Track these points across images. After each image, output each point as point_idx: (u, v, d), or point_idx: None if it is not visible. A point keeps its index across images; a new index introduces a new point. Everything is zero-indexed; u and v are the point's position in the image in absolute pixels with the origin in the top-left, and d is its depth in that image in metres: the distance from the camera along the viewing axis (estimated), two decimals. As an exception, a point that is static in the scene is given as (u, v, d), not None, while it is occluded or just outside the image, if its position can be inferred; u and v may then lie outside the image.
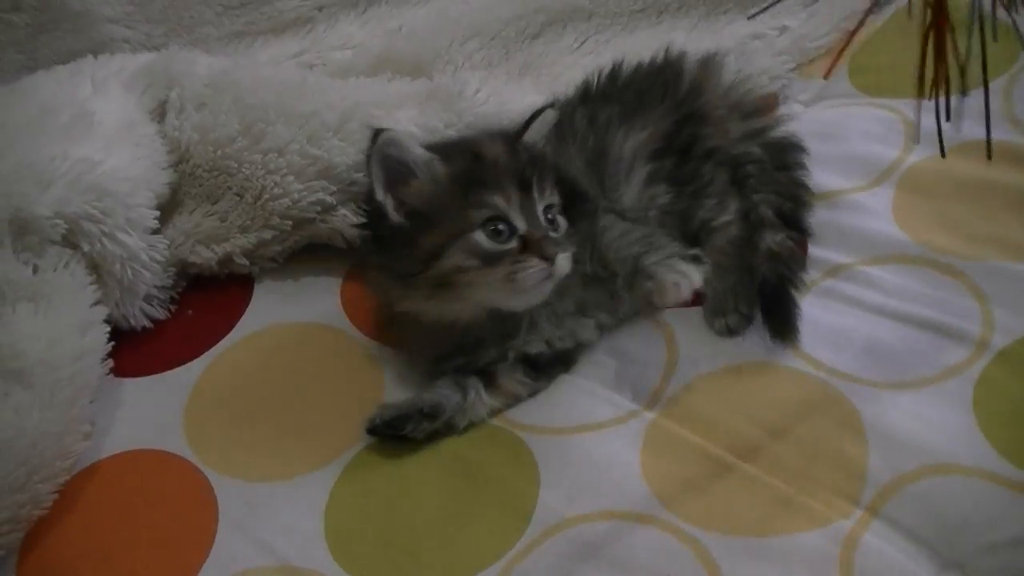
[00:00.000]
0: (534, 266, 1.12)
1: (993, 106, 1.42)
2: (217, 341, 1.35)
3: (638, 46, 1.48)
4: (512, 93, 1.43)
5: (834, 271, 1.28)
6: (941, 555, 1.02)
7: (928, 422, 1.12)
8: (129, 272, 1.31)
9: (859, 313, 1.23)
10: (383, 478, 1.18)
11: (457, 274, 1.13)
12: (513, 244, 1.13)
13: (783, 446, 1.12)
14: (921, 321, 1.21)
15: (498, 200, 1.13)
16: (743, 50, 1.55)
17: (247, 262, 1.40)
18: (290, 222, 1.37)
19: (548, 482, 1.13)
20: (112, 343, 1.31)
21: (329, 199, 1.36)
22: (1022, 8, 1.54)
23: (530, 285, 1.13)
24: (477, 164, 1.16)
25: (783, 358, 1.20)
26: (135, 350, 1.35)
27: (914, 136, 1.41)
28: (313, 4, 1.69)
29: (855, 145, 1.40)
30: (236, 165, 1.38)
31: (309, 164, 1.36)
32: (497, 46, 1.57)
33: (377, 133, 1.13)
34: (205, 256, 1.39)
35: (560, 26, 1.61)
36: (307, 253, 1.42)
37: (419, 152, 1.14)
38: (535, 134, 1.22)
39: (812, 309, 1.24)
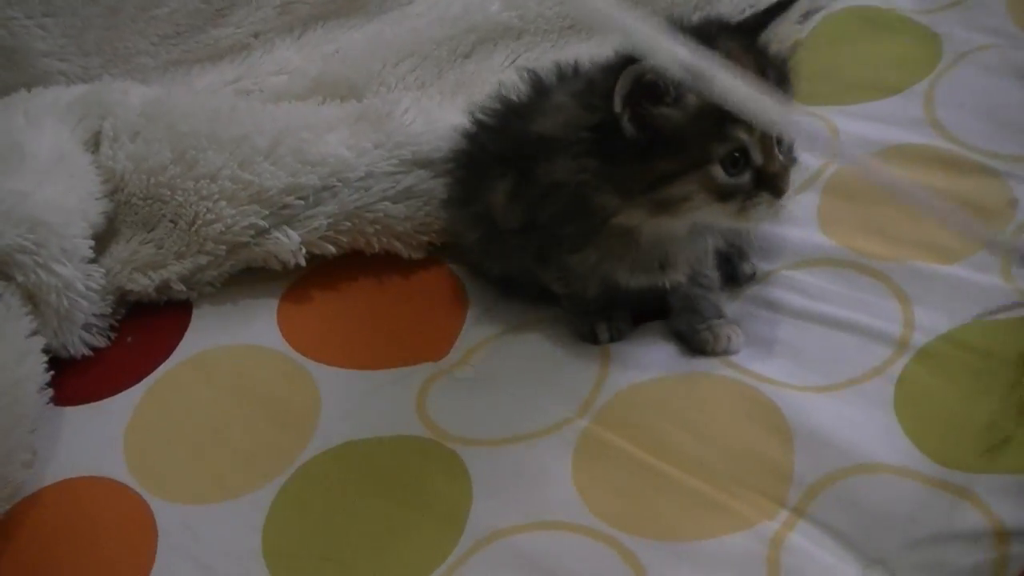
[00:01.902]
0: (765, 202, 1.10)
1: (915, 111, 1.46)
2: (156, 367, 1.36)
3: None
4: (443, 112, 1.45)
5: (760, 277, 1.31)
6: (865, 552, 1.04)
7: (851, 422, 1.14)
8: (65, 302, 1.32)
9: (784, 318, 1.26)
10: (319, 494, 1.19)
11: (686, 200, 1.10)
12: (747, 178, 1.10)
13: (711, 451, 1.14)
14: (845, 323, 1.23)
15: (743, 135, 1.08)
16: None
17: (184, 288, 1.40)
18: (224, 247, 1.38)
19: (481, 494, 1.14)
20: (51, 372, 1.31)
21: (262, 223, 1.37)
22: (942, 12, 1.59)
23: (759, 218, 1.12)
24: None
25: (712, 366, 1.22)
26: (75, 378, 1.35)
27: (839, 142, 1.44)
28: (248, 31, 1.70)
29: None
30: (170, 192, 1.39)
31: (241, 189, 1.37)
32: (430, 66, 1.59)
33: (633, 61, 1.05)
34: (142, 283, 1.40)
35: (491, 45, 1.63)
36: (244, 276, 1.42)
37: (673, 77, 1.05)
38: (776, 31, 1.15)
39: (739, 316, 1.27)
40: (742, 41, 1.12)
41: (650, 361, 1.24)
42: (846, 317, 1.24)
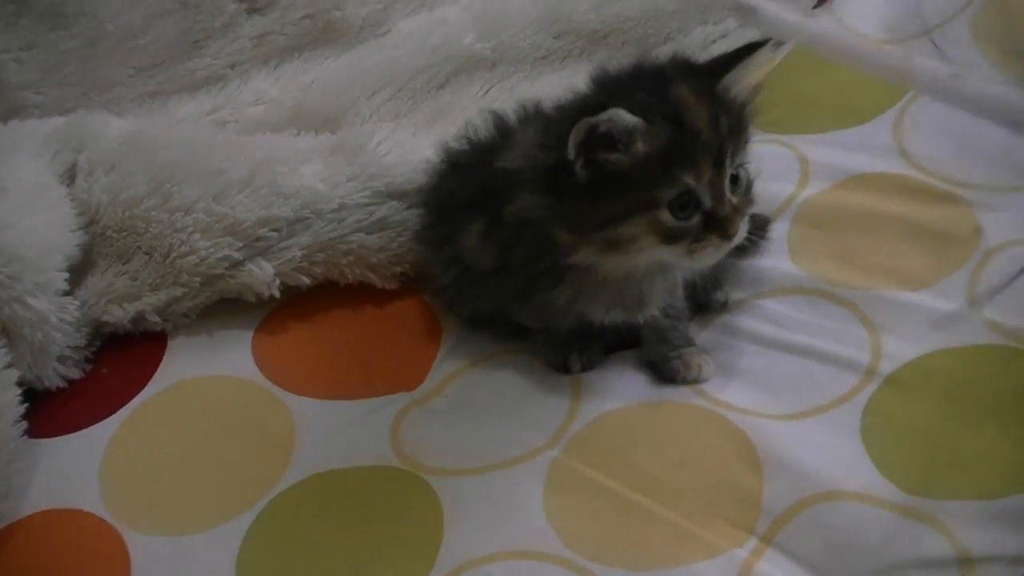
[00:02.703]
0: (714, 244, 1.11)
1: (883, 140, 1.47)
2: (131, 398, 1.36)
3: (542, 92, 1.51)
4: (417, 143, 1.46)
5: (731, 306, 1.32)
6: (833, 579, 1.05)
7: (820, 450, 1.15)
8: (39, 335, 1.32)
9: (754, 346, 1.27)
10: (293, 525, 1.19)
11: (634, 242, 1.11)
12: (696, 220, 1.10)
13: (681, 480, 1.15)
14: (813, 352, 1.24)
15: (690, 179, 1.09)
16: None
17: (159, 319, 1.41)
18: (199, 279, 1.39)
19: (453, 523, 1.15)
20: (26, 404, 1.32)
21: (236, 255, 1.38)
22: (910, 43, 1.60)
23: (708, 260, 1.13)
24: (678, 138, 1.09)
25: (682, 395, 1.23)
26: (50, 410, 1.36)
27: (808, 171, 1.45)
28: (225, 62, 1.71)
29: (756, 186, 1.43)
30: (145, 224, 1.41)
31: (215, 221, 1.38)
32: (405, 97, 1.61)
33: (601, 107, 1.07)
34: (118, 315, 1.40)
35: (466, 75, 1.64)
36: (219, 307, 1.43)
37: (628, 124, 1.07)
38: (738, 76, 1.15)
39: (709, 344, 1.28)
40: (699, 86, 1.12)
41: (621, 390, 1.25)
42: (815, 345, 1.25)
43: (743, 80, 1.15)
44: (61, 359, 1.38)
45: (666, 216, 1.09)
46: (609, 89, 1.14)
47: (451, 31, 1.69)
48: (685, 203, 1.09)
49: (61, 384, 1.39)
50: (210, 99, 1.70)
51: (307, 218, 1.40)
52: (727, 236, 1.11)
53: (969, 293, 1.26)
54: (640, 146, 1.08)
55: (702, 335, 1.30)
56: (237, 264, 1.39)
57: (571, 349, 1.28)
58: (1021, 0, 1.64)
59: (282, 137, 1.53)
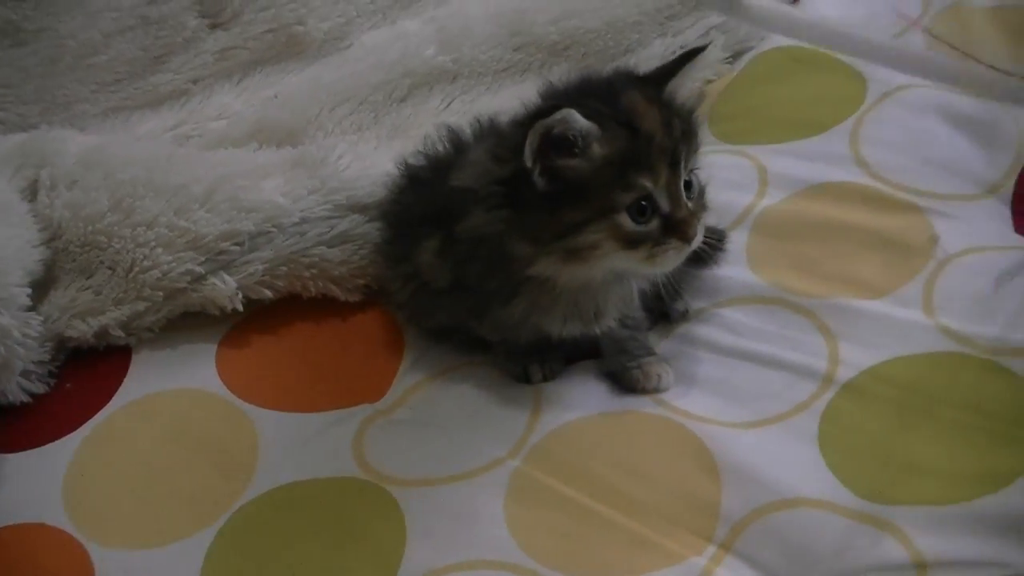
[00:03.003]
0: (674, 247, 1.12)
1: (841, 149, 1.49)
2: (95, 412, 1.36)
3: (503, 104, 1.52)
4: (378, 157, 1.47)
5: (690, 315, 1.33)
6: (791, 586, 1.06)
7: (777, 458, 1.16)
8: (2, 350, 1.32)
9: (713, 355, 1.28)
10: (257, 538, 1.20)
11: (595, 249, 1.12)
12: (655, 225, 1.11)
13: (641, 489, 1.16)
14: (772, 360, 1.26)
15: (647, 183, 1.10)
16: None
17: (123, 334, 1.41)
18: (162, 293, 1.39)
19: (415, 534, 1.16)
20: (-9, 420, 1.33)
21: (198, 269, 1.39)
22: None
23: (668, 264, 1.14)
24: (633, 142, 1.10)
25: (642, 404, 1.24)
26: (14, 425, 1.36)
27: (767, 180, 1.47)
28: (187, 77, 1.71)
29: (711, 194, 1.42)
30: (107, 240, 1.41)
31: (177, 236, 1.39)
32: (366, 110, 1.61)
33: (550, 110, 1.08)
34: (81, 330, 1.40)
35: (426, 89, 1.65)
36: (183, 321, 1.43)
37: (583, 127, 1.09)
38: (681, 82, 1.18)
39: (669, 354, 1.29)
40: (647, 93, 1.14)
41: (582, 401, 1.26)
42: (773, 353, 1.26)
43: (686, 86, 1.17)
44: (25, 374, 1.38)
45: (626, 221, 1.10)
46: (559, 99, 1.15)
47: (412, 44, 1.69)
48: (643, 208, 1.10)
49: (25, 399, 1.38)
50: (173, 114, 1.70)
51: (269, 232, 1.40)
52: (686, 239, 1.12)
53: (925, 301, 1.28)
54: (596, 150, 1.10)
55: (662, 344, 1.31)
56: (200, 278, 1.39)
57: (531, 360, 1.29)
58: (977, 8, 1.66)
59: (243, 152, 1.53)
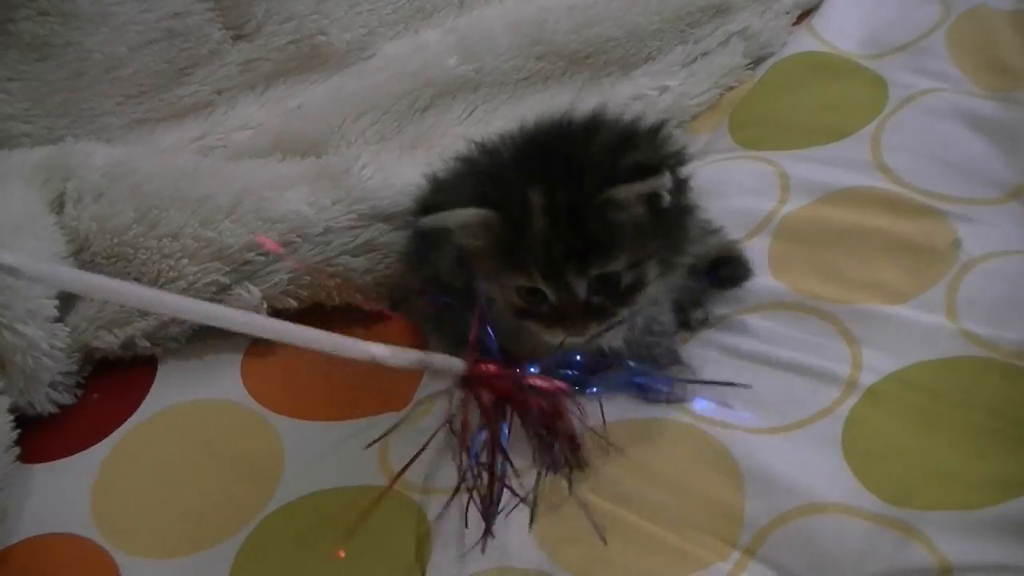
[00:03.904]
0: (557, 337, 1.11)
1: (862, 154, 1.49)
2: (122, 423, 1.38)
3: (525, 113, 1.53)
4: (401, 166, 1.48)
5: (713, 322, 1.33)
6: (815, 592, 1.06)
7: (802, 463, 1.16)
8: (31, 361, 1.34)
9: (736, 362, 1.28)
10: (283, 546, 1.21)
11: (506, 315, 1.14)
12: (545, 308, 1.12)
13: (665, 495, 1.16)
14: (795, 366, 1.25)
15: (524, 281, 1.11)
16: (625, 111, 1.61)
17: (149, 344, 1.43)
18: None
19: (440, 543, 1.16)
20: (19, 430, 1.34)
21: (223, 279, 1.40)
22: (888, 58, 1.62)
23: (556, 344, 1.10)
24: (512, 235, 1.10)
25: (666, 412, 1.24)
26: (42, 436, 1.37)
27: (789, 187, 1.47)
28: (212, 88, 1.72)
29: (733, 200, 1.44)
30: (133, 251, 1.42)
31: (203, 247, 1.40)
32: (389, 120, 1.62)
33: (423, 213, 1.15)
34: (108, 341, 1.42)
35: (449, 98, 1.66)
36: (208, 331, 1.44)
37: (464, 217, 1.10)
38: (629, 192, 1.09)
39: (691, 361, 1.29)
40: (564, 194, 1.09)
41: (606, 408, 1.25)
42: (796, 359, 1.26)
43: (630, 198, 1.10)
44: (53, 385, 1.40)
45: (514, 297, 1.13)
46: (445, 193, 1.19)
47: (434, 54, 1.70)
48: (532, 292, 1.12)
49: (53, 410, 1.40)
50: (197, 125, 1.71)
51: (293, 242, 1.41)
52: (569, 332, 1.11)
53: (948, 305, 1.28)
54: (486, 236, 1.12)
55: (684, 350, 1.31)
56: (225, 288, 1.41)
57: None
58: (995, 14, 1.66)
59: (267, 162, 1.55)
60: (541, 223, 1.09)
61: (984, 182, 1.43)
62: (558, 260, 1.09)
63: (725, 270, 1.34)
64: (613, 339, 1.17)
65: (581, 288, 1.10)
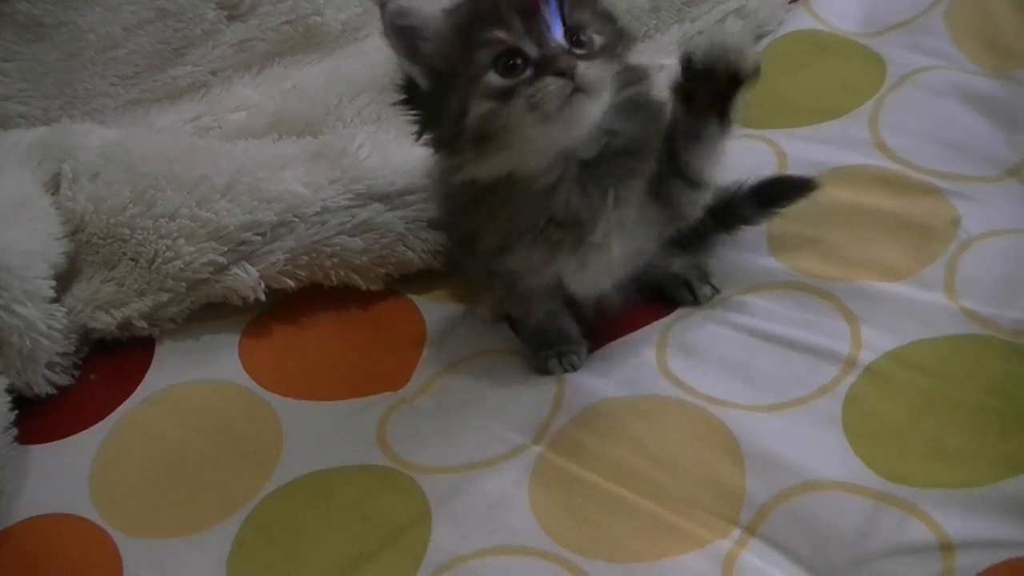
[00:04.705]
0: (550, 84, 1.06)
1: (860, 133, 1.49)
2: (120, 403, 1.37)
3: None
4: (397, 146, 1.47)
5: (714, 301, 1.33)
6: (816, 569, 1.06)
7: (801, 441, 1.16)
8: (28, 342, 1.34)
9: (737, 340, 1.28)
10: (282, 526, 1.20)
11: (487, 122, 1.09)
12: (527, 73, 1.07)
13: (665, 474, 1.16)
14: (794, 343, 1.26)
15: (500, 34, 1.08)
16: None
17: (146, 325, 1.42)
18: (184, 284, 1.40)
19: (440, 521, 1.16)
20: (16, 411, 1.33)
21: (220, 259, 1.39)
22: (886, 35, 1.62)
23: (554, 106, 1.06)
24: (476, 5, 1.11)
25: (664, 388, 1.25)
26: (40, 417, 1.37)
27: (787, 165, 1.47)
28: (207, 69, 1.71)
29: (731, 179, 1.43)
30: (129, 232, 1.42)
31: (199, 227, 1.40)
32: (385, 100, 1.61)
33: (383, 6, 1.09)
34: (105, 321, 1.41)
35: (445, 79, 1.65)
36: (206, 311, 1.44)
37: (425, 13, 1.11)
38: None
39: (691, 340, 1.29)
40: None
41: (604, 386, 1.26)
42: (796, 337, 1.26)
43: None
44: (50, 366, 1.39)
45: (494, 78, 1.09)
46: None
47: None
48: (511, 63, 1.08)
49: (50, 391, 1.39)
50: (192, 106, 1.70)
51: (290, 222, 1.40)
52: (559, 73, 1.06)
53: (947, 283, 1.28)
54: (444, 21, 1.11)
55: (684, 326, 1.31)
56: (222, 268, 1.40)
57: (550, 352, 1.30)
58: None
59: (263, 143, 1.54)
60: None
61: (983, 160, 1.43)
62: (530, 10, 1.08)
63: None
64: (602, 98, 1.10)
65: (558, 32, 1.08)
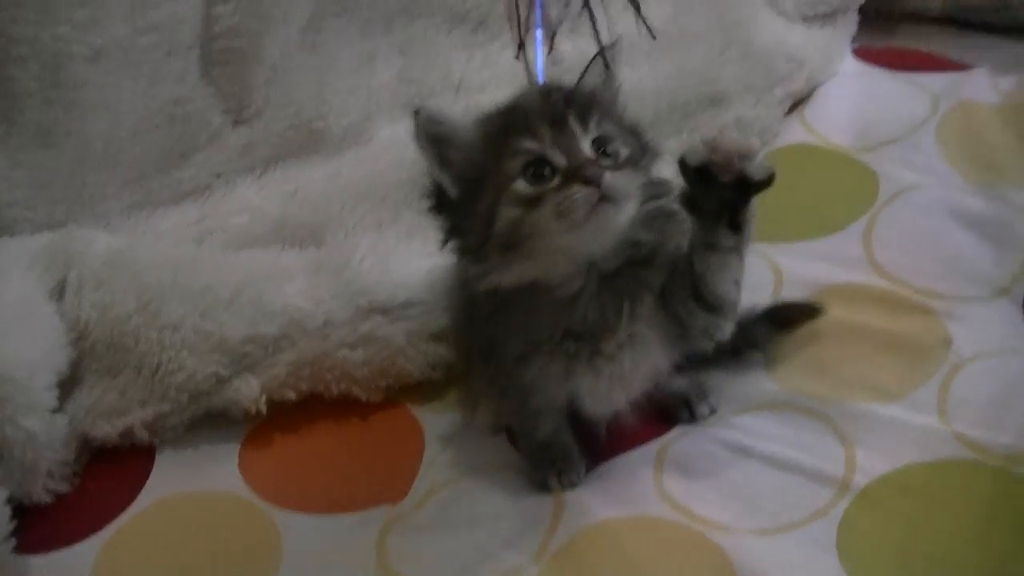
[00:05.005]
0: (577, 192, 1.07)
1: (854, 250, 1.52)
2: (119, 513, 1.37)
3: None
4: (399, 256, 1.49)
5: (711, 421, 1.35)
6: None
7: (796, 566, 1.17)
8: (29, 453, 1.34)
9: (733, 461, 1.29)
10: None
11: (515, 229, 1.11)
12: (555, 182, 1.09)
13: (660, 595, 1.17)
14: (789, 465, 1.27)
15: (529, 143, 1.10)
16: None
17: (147, 434, 1.43)
18: (187, 395, 1.41)
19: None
20: (15, 521, 1.32)
21: (223, 372, 1.41)
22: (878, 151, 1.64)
23: (581, 214, 1.08)
24: (506, 117, 1.14)
25: (660, 510, 1.25)
26: (38, 525, 1.36)
27: (783, 282, 1.49)
28: (211, 172, 1.73)
29: None
30: (133, 342, 1.43)
31: (203, 339, 1.41)
32: (387, 208, 1.62)
33: (416, 113, 1.13)
34: (106, 430, 1.42)
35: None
36: (206, 420, 1.45)
37: (456, 121, 1.14)
38: (591, 78, 1.18)
39: (688, 460, 1.31)
40: (541, 92, 1.19)
41: (602, 506, 1.27)
42: (791, 458, 1.27)
43: (594, 78, 1.19)
44: (49, 473, 1.39)
45: (522, 185, 1.10)
46: None
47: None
48: (539, 170, 1.10)
49: (49, 499, 1.39)
50: (196, 208, 1.71)
51: (292, 335, 1.42)
52: (587, 181, 1.08)
53: (939, 406, 1.30)
54: (475, 130, 1.14)
55: (681, 446, 1.33)
56: (224, 380, 1.41)
57: (550, 469, 1.30)
58: (982, 108, 1.70)
59: (266, 253, 1.56)
60: (538, 100, 1.14)
61: (974, 279, 1.46)
62: (559, 121, 1.11)
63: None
64: (628, 207, 1.12)
65: (586, 143, 1.11)
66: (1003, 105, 1.70)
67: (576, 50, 1.60)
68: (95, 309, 1.46)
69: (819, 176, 1.67)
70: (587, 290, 1.17)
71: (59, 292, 1.50)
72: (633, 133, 1.19)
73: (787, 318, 1.40)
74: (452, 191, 1.14)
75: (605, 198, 1.08)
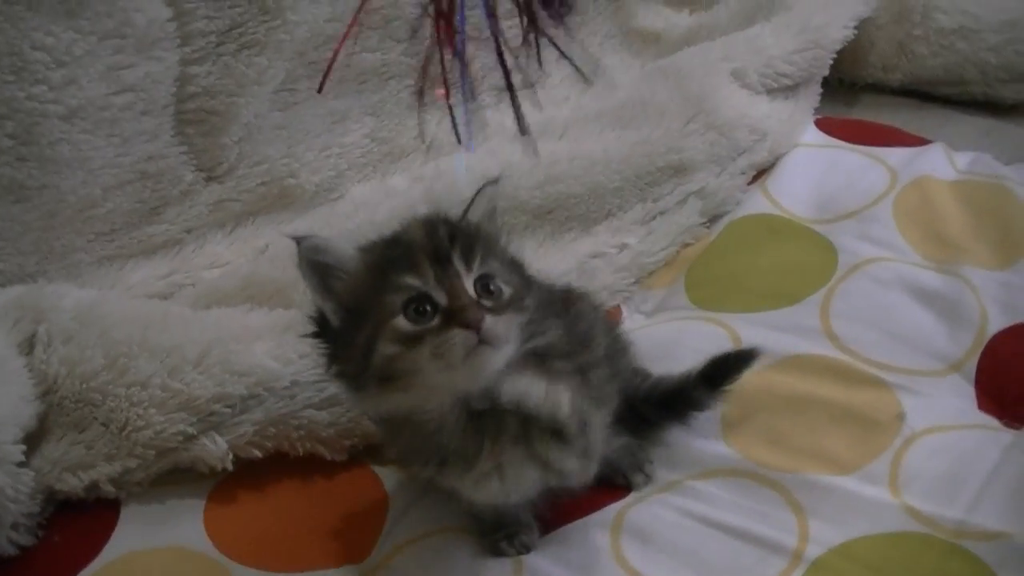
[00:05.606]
0: (456, 336, 1.07)
1: (812, 321, 1.55)
2: (84, 567, 1.37)
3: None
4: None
5: (663, 487, 1.37)
6: None
7: (749, 637, 1.20)
8: (-6, 507, 1.35)
9: (688, 528, 1.31)
10: None
11: (392, 364, 1.10)
12: (436, 321, 1.09)
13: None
14: (743, 534, 1.29)
15: (412, 280, 1.09)
16: (584, 268, 1.67)
17: (113, 489, 1.44)
18: (153, 451, 1.42)
19: None
20: (-21, 575, 1.34)
21: (190, 430, 1.42)
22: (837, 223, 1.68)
23: (458, 357, 1.07)
24: (390, 249, 1.14)
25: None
26: (2, 578, 1.37)
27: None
28: (182, 227, 1.75)
29: (687, 364, 1.44)
30: (101, 397, 1.44)
31: (170, 397, 1.42)
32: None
33: (299, 242, 1.12)
34: (72, 484, 1.42)
35: (415, 248, 1.69)
36: (172, 475, 1.46)
37: (340, 251, 1.14)
38: (477, 212, 1.19)
39: (644, 527, 1.32)
40: (426, 225, 1.17)
41: (560, 571, 1.29)
42: (745, 527, 1.29)
43: (480, 211, 1.19)
44: (14, 526, 1.39)
45: (402, 322, 1.10)
46: None
47: (402, 203, 1.73)
48: (420, 307, 1.10)
49: (13, 552, 1.39)
50: (167, 262, 1.74)
51: (260, 395, 1.44)
52: (466, 325, 1.07)
53: (891, 478, 1.33)
54: (359, 261, 1.14)
55: (633, 513, 1.34)
56: (191, 438, 1.42)
57: (498, 536, 1.31)
58: (938, 184, 1.74)
59: (236, 311, 1.57)
60: (423, 234, 1.13)
61: (927, 354, 1.49)
62: (443, 258, 1.11)
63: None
64: (506, 350, 1.11)
65: (469, 283, 1.11)
66: (959, 181, 1.74)
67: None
68: (64, 364, 1.47)
69: (779, 247, 1.70)
70: (452, 423, 1.17)
71: (28, 346, 1.51)
72: (515, 269, 1.19)
73: (723, 373, 1.40)
74: (334, 319, 1.15)
75: (484, 342, 1.08)
